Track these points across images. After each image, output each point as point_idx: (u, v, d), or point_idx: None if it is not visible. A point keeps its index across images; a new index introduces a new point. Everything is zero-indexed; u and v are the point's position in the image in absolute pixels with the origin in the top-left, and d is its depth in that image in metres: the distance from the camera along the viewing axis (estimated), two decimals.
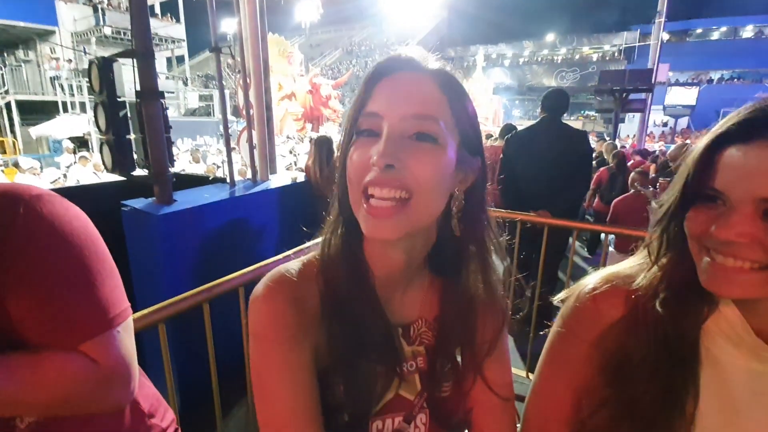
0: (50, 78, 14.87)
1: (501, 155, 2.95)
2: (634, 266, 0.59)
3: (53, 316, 0.60)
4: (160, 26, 19.48)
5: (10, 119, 13.10)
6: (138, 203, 2.38)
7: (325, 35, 45.72)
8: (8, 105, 13.01)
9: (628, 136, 20.58)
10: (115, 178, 2.86)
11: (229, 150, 3.05)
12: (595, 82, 11.53)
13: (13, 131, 13.05)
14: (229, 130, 3.54)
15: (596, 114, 24.07)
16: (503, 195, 2.84)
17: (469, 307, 0.59)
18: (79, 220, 0.65)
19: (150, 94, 2.28)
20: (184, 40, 21.28)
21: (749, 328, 0.49)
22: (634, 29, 33.10)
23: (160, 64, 25.17)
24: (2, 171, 7.12)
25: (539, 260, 2.29)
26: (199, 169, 8.13)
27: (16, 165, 7.11)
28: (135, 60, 2.24)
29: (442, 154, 0.49)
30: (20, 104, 13.25)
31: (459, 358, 0.61)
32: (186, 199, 2.51)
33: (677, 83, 28.99)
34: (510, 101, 36.50)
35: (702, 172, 0.47)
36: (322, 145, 3.38)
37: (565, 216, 2.57)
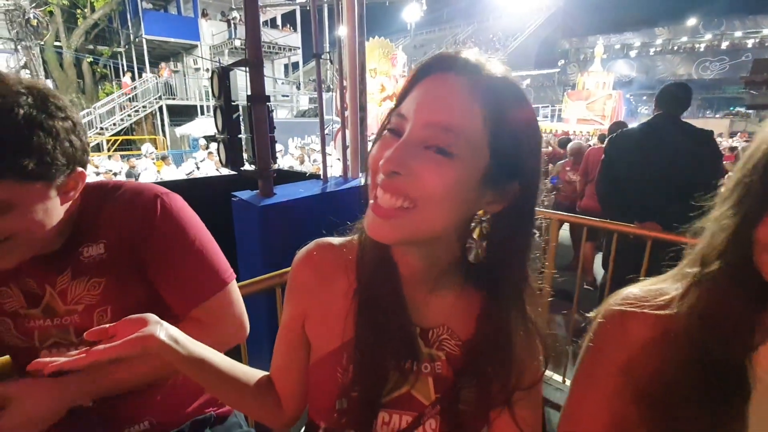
0: (192, 85, 17.57)
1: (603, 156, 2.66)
2: (668, 278, 0.55)
3: (184, 279, 0.82)
4: (279, 36, 21.57)
5: (162, 121, 15.86)
6: (245, 194, 2.71)
7: (429, 35, 45.94)
8: (161, 109, 15.76)
9: None
10: (231, 172, 3.30)
11: (324, 149, 3.27)
12: (746, 73, 9.58)
13: (163, 131, 15.79)
14: (327, 130, 3.80)
15: (748, 110, 20.01)
16: (601, 202, 2.57)
17: (504, 331, 0.55)
18: (191, 211, 0.88)
19: (258, 98, 2.58)
20: (299, 48, 23.24)
21: None
22: None
23: (278, 71, 27.86)
24: (154, 162, 8.72)
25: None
26: (305, 169, 8.91)
27: (163, 158, 8.65)
28: (248, 69, 2.54)
29: (457, 169, 0.46)
30: (169, 108, 15.97)
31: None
32: (284, 193, 2.79)
33: None
34: (636, 97, 32.34)
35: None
36: None
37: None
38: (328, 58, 3.30)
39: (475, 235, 0.52)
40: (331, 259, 0.61)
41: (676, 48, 33.33)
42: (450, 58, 0.48)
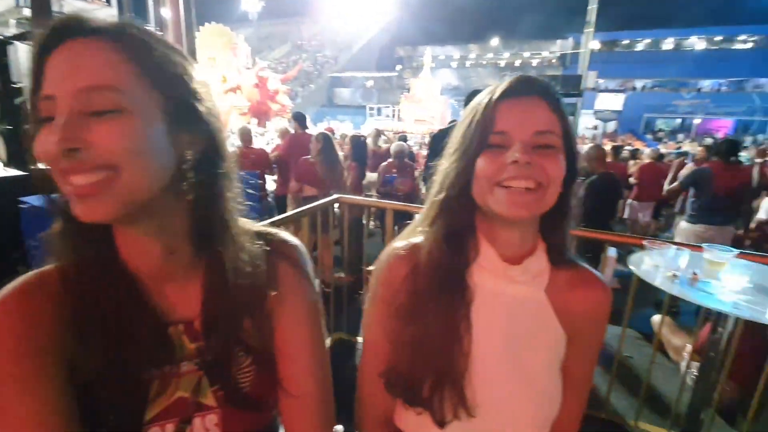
0: None
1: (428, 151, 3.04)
2: (415, 228, 0.70)
3: None
4: (88, 8, 17.87)
5: None
6: (37, 200, 2.19)
7: (273, 28, 44.35)
8: None
9: None
10: (18, 172, 2.61)
11: None
12: None
13: None
14: None
15: None
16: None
17: (233, 283, 0.54)
18: None
19: None
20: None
21: (497, 256, 0.63)
22: (570, 37, 35.29)
23: None
24: None
25: None
26: None
27: None
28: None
29: (134, 121, 0.44)
30: None
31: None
32: None
33: (606, 90, 31.35)
34: (459, 102, 37.57)
35: (489, 123, 0.58)
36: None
37: None
38: None
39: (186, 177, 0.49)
40: (27, 304, 0.48)
41: (484, 63, 39.95)
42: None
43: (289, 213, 2.31)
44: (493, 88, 0.61)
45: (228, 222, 0.54)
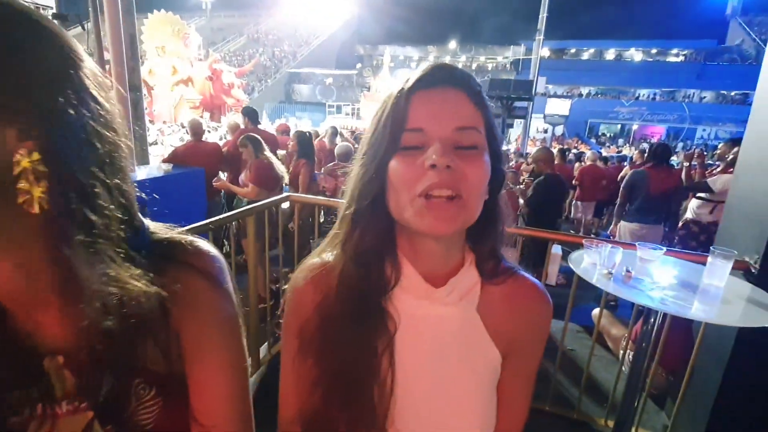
0: None
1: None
2: (329, 244, 0.60)
3: None
4: None
5: None
6: None
7: (228, 19, 42.78)
8: None
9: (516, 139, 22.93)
10: None
11: None
12: (487, 90, 12.65)
13: None
14: None
15: None
16: None
17: (111, 307, 0.43)
18: None
19: None
20: (52, 8, 18.11)
21: (420, 277, 0.55)
22: (522, 44, 36.83)
23: None
24: None
25: None
26: None
27: None
28: None
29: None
30: None
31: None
32: None
33: (555, 95, 33.04)
34: None
35: (402, 119, 0.50)
36: None
37: None
38: (78, 22, 2.65)
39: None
40: None
41: None
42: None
43: (230, 213, 2.15)
44: (404, 78, 0.52)
45: (93, 239, 0.42)
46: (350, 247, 0.55)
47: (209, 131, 11.45)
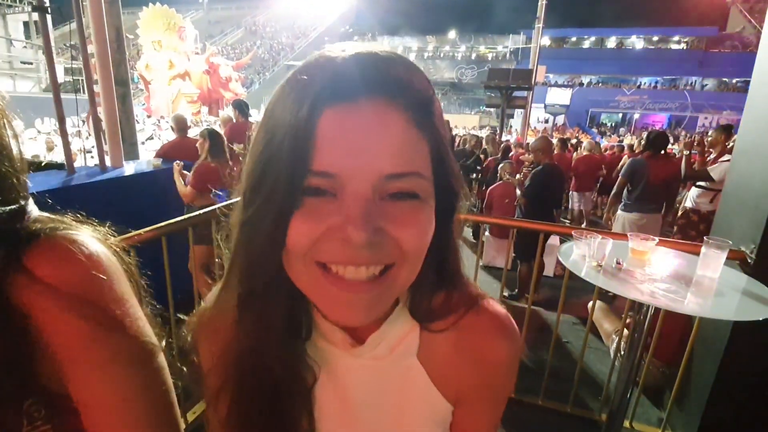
0: None
1: None
2: (229, 282, 0.44)
3: None
4: None
5: None
6: None
7: (225, 12, 42.45)
8: None
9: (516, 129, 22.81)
10: None
11: (64, 129, 2.59)
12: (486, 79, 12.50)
13: None
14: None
15: (489, 108, 26.13)
16: None
17: None
18: None
19: None
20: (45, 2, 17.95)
21: (340, 331, 0.44)
22: (523, 33, 36.41)
23: (15, 29, 21.00)
24: None
25: None
26: (55, 158, 7.03)
27: None
28: None
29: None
30: None
31: None
32: None
33: (555, 84, 32.77)
34: None
35: (302, 156, 0.32)
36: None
37: None
38: (59, 13, 2.58)
39: None
40: None
41: (442, 55, 40.43)
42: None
43: (186, 216, 1.90)
44: (306, 82, 0.33)
45: None
46: (246, 332, 0.42)
47: (207, 125, 11.39)
